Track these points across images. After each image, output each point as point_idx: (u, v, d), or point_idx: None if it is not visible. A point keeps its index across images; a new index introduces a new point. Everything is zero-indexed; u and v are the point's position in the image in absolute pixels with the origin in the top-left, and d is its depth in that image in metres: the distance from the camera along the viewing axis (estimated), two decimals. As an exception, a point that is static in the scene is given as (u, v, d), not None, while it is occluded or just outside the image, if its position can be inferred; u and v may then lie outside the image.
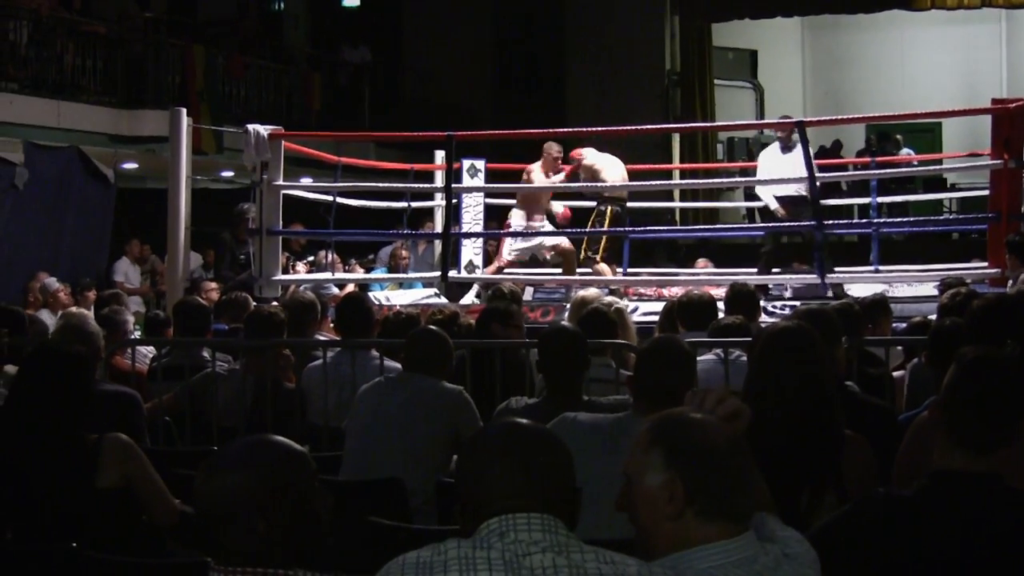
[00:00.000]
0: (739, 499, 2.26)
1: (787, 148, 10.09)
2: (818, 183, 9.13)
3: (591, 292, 7.18)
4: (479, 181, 10.61)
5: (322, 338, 6.52)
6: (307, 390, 5.72)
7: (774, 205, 10.08)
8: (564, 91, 20.77)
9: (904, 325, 6.84)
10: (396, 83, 21.27)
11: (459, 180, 10.20)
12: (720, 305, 6.41)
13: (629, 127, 11.22)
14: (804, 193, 9.62)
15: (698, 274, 11.37)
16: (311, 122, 17.13)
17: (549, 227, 10.03)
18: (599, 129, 10.14)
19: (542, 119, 13.29)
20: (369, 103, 19.05)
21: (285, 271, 10.32)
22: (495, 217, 11.63)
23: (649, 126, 14.64)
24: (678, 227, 14.71)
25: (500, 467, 2.19)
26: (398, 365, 5.31)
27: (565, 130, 9.93)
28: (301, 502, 2.28)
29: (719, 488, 2.24)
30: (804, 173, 9.15)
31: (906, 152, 17.68)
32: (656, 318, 7.45)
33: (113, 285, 12.35)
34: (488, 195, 10.81)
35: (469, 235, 10.27)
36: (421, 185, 11.25)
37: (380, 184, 11.06)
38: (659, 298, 9.58)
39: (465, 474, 2.26)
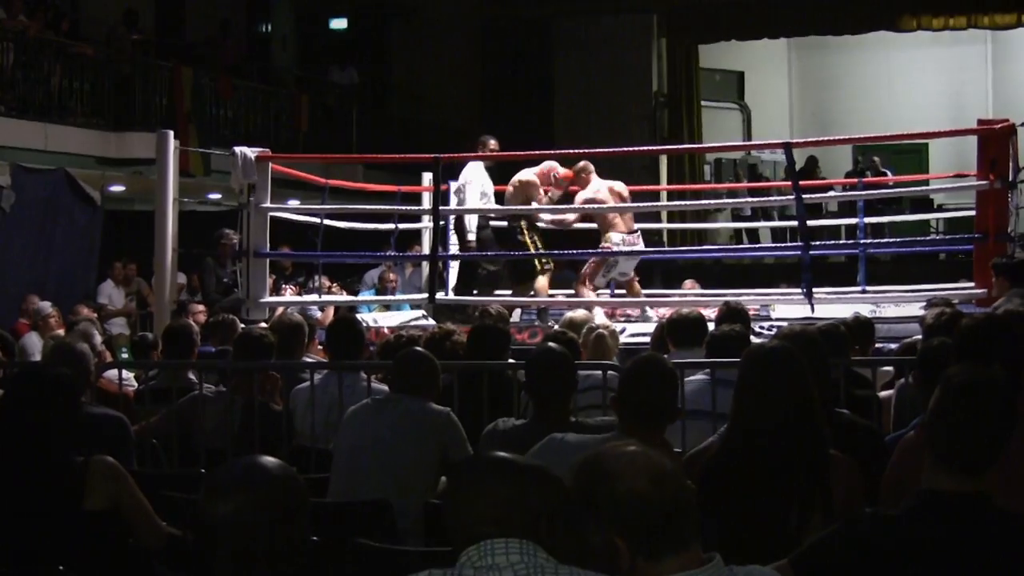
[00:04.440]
0: (681, 526, 2.27)
1: (491, 168, 10.13)
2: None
3: (579, 314, 7.19)
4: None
5: (309, 360, 6.50)
6: (294, 412, 5.71)
7: (472, 234, 9.88)
8: (552, 112, 20.83)
9: (893, 345, 6.86)
10: (384, 104, 21.32)
11: (447, 202, 10.19)
12: (711, 326, 6.41)
13: (616, 148, 11.24)
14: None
15: (685, 295, 11.34)
16: (299, 144, 17.15)
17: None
18: (587, 151, 10.14)
19: (530, 141, 13.31)
20: (357, 124, 19.08)
21: (273, 293, 10.31)
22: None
23: (636, 147, 14.68)
24: (660, 248, 14.57)
25: (480, 495, 2.24)
26: (385, 387, 5.31)
27: (553, 151, 9.95)
28: (297, 523, 2.30)
29: (657, 528, 2.25)
30: None
31: (883, 173, 17.73)
32: (644, 339, 7.50)
33: (100, 307, 12.36)
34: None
35: (456, 257, 10.26)
36: (409, 207, 11.26)
37: (368, 206, 11.06)
38: (645, 319, 9.57)
39: (448, 504, 2.32)
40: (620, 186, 9.92)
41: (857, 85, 22.11)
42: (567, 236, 10.42)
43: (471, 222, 9.84)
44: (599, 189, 9.74)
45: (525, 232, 9.77)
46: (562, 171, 9.86)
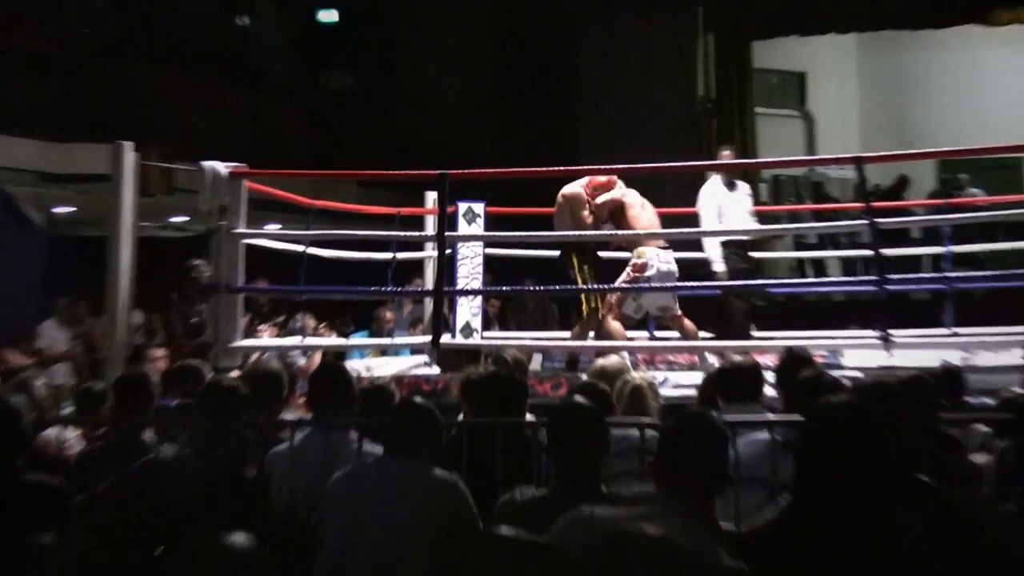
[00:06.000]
0: None
1: (732, 183, 10.56)
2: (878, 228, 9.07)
3: (612, 361, 7.13)
4: (478, 228, 10.58)
5: (289, 417, 6.47)
6: (271, 479, 5.67)
7: (720, 266, 10.21)
8: (577, 122, 20.88)
9: (989, 400, 6.79)
10: (383, 112, 21.40)
11: (454, 227, 10.17)
12: (769, 376, 6.36)
13: (654, 164, 11.17)
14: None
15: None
16: (282, 158, 17.18)
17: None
18: (618, 167, 10.09)
19: (552, 155, 13.27)
20: (351, 135, 19.15)
21: (247, 335, 10.28)
22: (496, 271, 11.57)
23: (678, 163, 14.63)
24: (706, 283, 14.51)
25: None
26: (379, 448, 5.27)
27: (578, 168, 9.88)
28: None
29: None
30: (751, 217, 10.29)
31: (973, 193, 17.70)
32: (689, 392, 7.45)
33: (36, 352, 12.34)
34: (488, 245, 10.78)
35: (465, 292, 10.23)
36: (409, 233, 11.22)
37: (360, 231, 11.02)
38: (693, 366, 9.53)
39: None
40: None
41: (941, 90, 22.10)
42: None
43: (713, 247, 10.13)
44: (625, 193, 9.84)
45: (575, 265, 9.77)
46: (600, 178, 9.87)
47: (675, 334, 10.03)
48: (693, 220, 11.00)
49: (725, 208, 10.34)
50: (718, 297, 10.45)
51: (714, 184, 10.44)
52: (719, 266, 10.16)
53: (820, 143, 22.06)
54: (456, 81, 21.40)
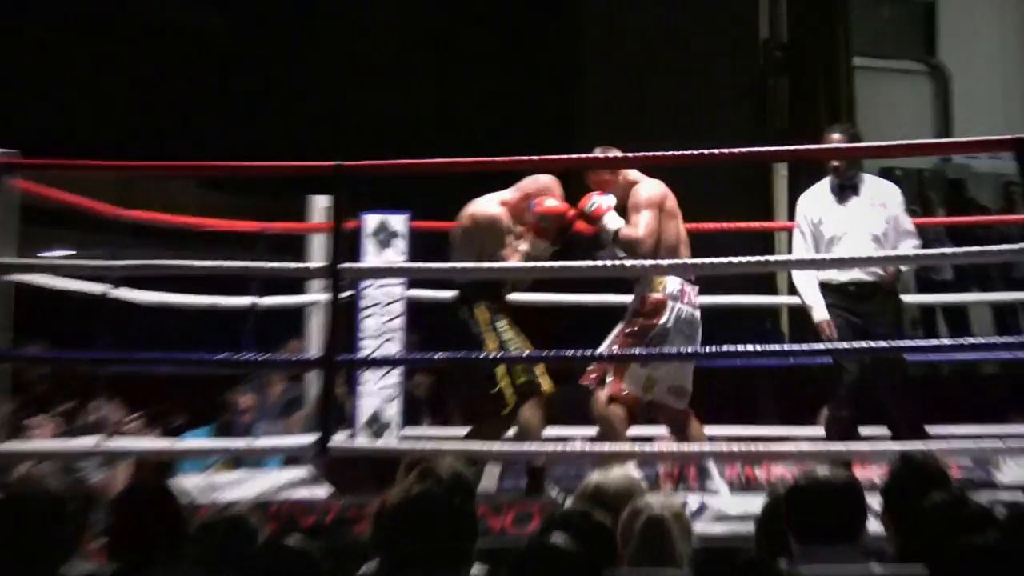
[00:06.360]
0: None
1: (846, 189, 10.36)
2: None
3: (615, 477, 7.05)
4: (397, 255, 10.54)
5: (78, 571, 6.36)
6: None
7: (820, 312, 10.09)
8: (576, 84, 21.00)
9: None
10: (265, 66, 21.48)
11: (357, 253, 10.13)
12: (874, 502, 6.27)
13: (691, 152, 11.20)
14: (882, 275, 10.09)
15: (822, 441, 11.21)
16: (81, 140, 17.13)
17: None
18: (638, 155, 10.08)
19: (535, 137, 13.27)
20: (204, 107, 19.18)
21: (12, 433, 10.20)
22: (428, 325, 11.50)
23: (730, 150, 14.66)
24: (770, 348, 14.31)
25: None
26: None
27: (571, 157, 9.90)
28: None
29: None
30: (881, 230, 10.06)
31: None
32: (742, 528, 7.45)
33: None
34: (414, 283, 10.73)
35: (375, 363, 10.18)
36: (282, 264, 11.11)
37: (202, 261, 10.98)
38: (749, 483, 9.62)
39: None
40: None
41: None
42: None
43: (808, 287, 10.12)
44: (653, 193, 9.93)
45: (478, 318, 9.78)
46: (550, 202, 9.85)
47: (718, 431, 10.03)
48: (757, 243, 11.01)
49: (829, 226, 10.17)
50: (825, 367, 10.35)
51: (816, 191, 10.27)
52: (819, 314, 10.01)
53: (958, 116, 22.21)
54: (395, 29, 21.55)
